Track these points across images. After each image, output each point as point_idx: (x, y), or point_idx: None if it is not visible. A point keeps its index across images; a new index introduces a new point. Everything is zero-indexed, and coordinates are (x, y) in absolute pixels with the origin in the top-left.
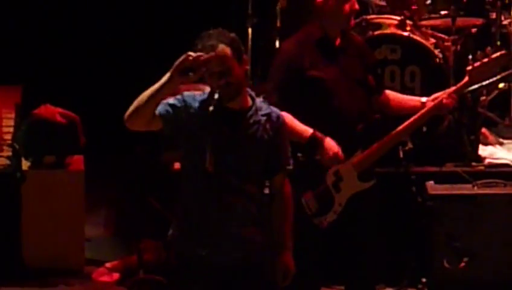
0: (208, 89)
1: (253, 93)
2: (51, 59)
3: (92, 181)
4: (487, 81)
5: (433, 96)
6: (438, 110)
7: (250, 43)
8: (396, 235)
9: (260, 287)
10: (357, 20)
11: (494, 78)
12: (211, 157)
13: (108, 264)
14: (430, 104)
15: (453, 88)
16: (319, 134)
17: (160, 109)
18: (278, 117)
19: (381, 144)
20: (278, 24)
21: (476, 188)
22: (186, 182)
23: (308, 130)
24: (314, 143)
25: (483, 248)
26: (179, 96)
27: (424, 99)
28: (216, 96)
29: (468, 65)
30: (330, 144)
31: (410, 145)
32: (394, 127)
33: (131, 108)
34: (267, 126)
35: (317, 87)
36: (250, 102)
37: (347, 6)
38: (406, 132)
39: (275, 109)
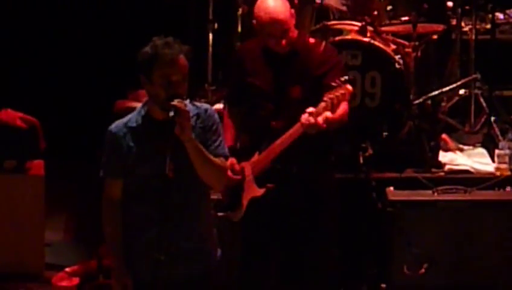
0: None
1: None
2: (11, 63)
3: (52, 186)
4: (447, 88)
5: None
6: (303, 130)
7: (210, 48)
8: (356, 241)
9: None
10: (318, 26)
11: (455, 84)
12: (170, 164)
13: (68, 269)
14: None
15: (314, 109)
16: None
17: (108, 173)
18: (206, 111)
19: (267, 152)
20: (239, 29)
21: (436, 194)
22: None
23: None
24: None
25: (443, 254)
26: (108, 137)
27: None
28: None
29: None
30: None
31: (370, 151)
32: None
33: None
34: (200, 125)
35: (252, 92)
36: None
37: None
38: (282, 146)
39: (202, 106)
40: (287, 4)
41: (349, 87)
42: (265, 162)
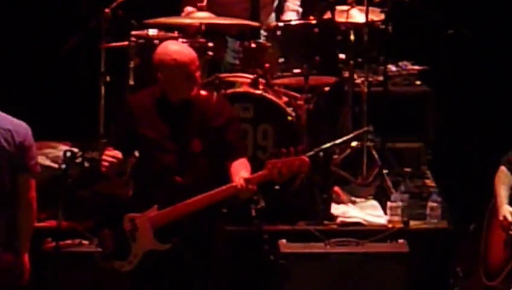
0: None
1: None
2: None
3: None
4: (340, 140)
5: (241, 176)
6: (234, 193)
7: (103, 100)
8: None
9: None
10: (210, 78)
11: (348, 137)
12: None
13: None
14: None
15: (251, 175)
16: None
17: None
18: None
19: (176, 208)
20: (131, 82)
21: (328, 246)
22: None
23: None
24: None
25: None
26: None
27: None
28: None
29: (271, 158)
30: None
31: (262, 204)
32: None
33: None
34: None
35: (145, 144)
36: None
37: (186, 84)
38: (202, 204)
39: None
40: None
41: (306, 158)
42: (172, 218)
